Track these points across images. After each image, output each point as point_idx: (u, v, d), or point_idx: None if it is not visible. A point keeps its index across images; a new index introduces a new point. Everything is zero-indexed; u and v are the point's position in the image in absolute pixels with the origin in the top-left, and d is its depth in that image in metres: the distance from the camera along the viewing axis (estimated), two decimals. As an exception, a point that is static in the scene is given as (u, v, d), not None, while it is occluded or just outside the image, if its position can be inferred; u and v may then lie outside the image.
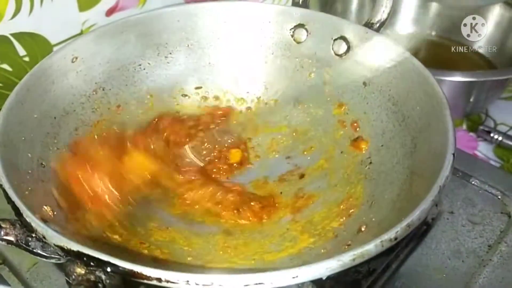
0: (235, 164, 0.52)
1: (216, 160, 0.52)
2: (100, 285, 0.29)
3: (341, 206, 0.45)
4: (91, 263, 0.29)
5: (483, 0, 0.74)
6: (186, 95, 0.56)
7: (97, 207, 0.41)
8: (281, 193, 0.49)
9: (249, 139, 0.55)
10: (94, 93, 0.50)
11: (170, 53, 0.55)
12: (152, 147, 0.48)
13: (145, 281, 0.29)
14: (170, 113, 0.54)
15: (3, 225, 0.32)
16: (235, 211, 0.46)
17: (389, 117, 0.47)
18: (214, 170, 0.51)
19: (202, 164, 0.52)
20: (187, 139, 0.52)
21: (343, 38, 0.51)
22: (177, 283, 0.28)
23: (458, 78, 0.62)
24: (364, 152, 0.48)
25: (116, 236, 0.41)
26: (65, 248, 0.30)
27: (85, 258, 0.30)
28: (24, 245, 0.33)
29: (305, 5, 0.56)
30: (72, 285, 0.29)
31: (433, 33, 0.83)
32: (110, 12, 0.62)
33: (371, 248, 0.30)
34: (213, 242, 0.43)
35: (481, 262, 0.45)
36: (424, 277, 0.44)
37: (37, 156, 0.42)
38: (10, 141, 0.39)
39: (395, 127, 0.46)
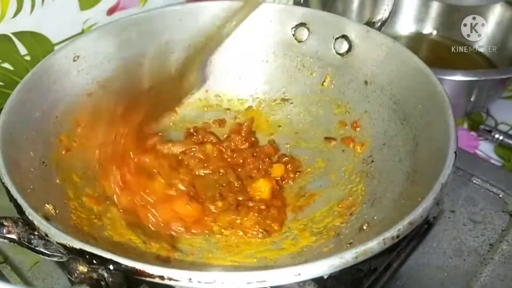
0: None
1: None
2: (102, 283, 0.29)
3: (343, 205, 0.45)
4: (94, 261, 0.30)
5: (484, -1, 0.74)
6: (187, 94, 0.56)
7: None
8: (282, 191, 0.49)
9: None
10: (96, 92, 0.50)
11: (172, 52, 0.55)
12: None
13: (148, 279, 0.29)
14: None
15: (5, 223, 0.33)
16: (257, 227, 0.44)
17: (391, 116, 0.47)
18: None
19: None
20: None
21: (344, 37, 0.51)
22: (179, 280, 0.29)
23: (459, 77, 0.62)
24: (362, 151, 0.48)
25: (117, 236, 0.41)
26: (68, 245, 0.30)
27: (87, 256, 0.30)
28: (26, 243, 0.33)
29: (306, 4, 0.56)
30: (74, 283, 0.29)
31: (434, 32, 0.83)
32: (111, 11, 0.62)
33: (373, 246, 0.30)
34: (215, 241, 0.43)
35: (483, 261, 0.45)
36: (425, 276, 0.44)
37: (39, 155, 0.42)
38: (12, 139, 0.39)
39: (396, 125, 0.46)
